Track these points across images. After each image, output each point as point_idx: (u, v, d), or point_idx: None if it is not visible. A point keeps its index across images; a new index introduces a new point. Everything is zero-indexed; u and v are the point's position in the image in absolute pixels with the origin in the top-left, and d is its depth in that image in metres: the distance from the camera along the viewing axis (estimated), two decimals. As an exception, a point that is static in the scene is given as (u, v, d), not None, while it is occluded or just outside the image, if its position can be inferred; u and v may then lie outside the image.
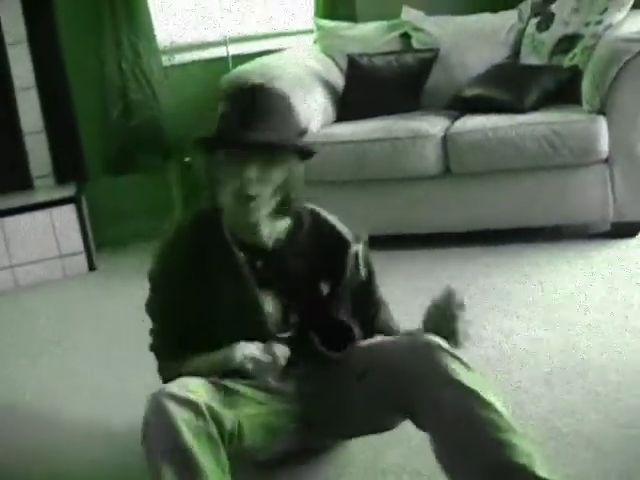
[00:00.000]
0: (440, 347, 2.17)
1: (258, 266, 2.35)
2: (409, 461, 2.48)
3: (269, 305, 2.36)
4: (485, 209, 4.27)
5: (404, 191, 4.35)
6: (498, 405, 2.07)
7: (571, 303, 3.47)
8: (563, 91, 4.37)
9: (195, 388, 2.11)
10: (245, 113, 2.21)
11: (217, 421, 2.08)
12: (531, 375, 2.92)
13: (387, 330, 2.53)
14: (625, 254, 3.93)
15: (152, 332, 2.48)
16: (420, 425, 2.19)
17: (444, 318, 2.28)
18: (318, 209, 2.46)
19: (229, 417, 2.13)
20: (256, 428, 2.23)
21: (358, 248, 2.42)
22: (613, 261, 3.87)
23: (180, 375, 2.21)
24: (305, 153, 2.33)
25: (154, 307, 2.43)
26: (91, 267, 4.94)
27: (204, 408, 2.06)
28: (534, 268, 3.91)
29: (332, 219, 2.46)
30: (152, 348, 2.48)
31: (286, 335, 2.38)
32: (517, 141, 4.08)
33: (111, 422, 3.04)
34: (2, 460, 2.93)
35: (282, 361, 2.29)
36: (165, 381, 2.32)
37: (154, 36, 5.28)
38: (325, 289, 2.39)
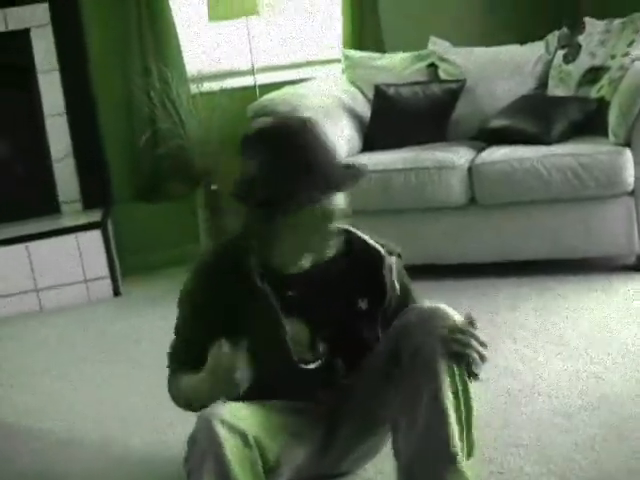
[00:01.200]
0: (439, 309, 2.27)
1: (289, 295, 2.33)
2: None
3: (297, 333, 2.34)
4: (510, 240, 4.26)
5: (430, 221, 4.35)
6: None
7: (596, 336, 3.45)
8: (590, 123, 4.37)
9: (245, 416, 2.13)
10: (309, 154, 2.21)
11: (262, 454, 2.10)
12: (553, 407, 2.90)
13: None
14: (651, 287, 3.91)
15: (171, 346, 2.50)
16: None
17: (458, 342, 2.26)
18: (349, 227, 2.43)
19: (273, 450, 2.15)
20: (290, 466, 2.25)
21: (392, 261, 2.41)
22: (638, 294, 3.84)
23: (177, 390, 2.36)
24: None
25: (177, 323, 2.46)
26: (116, 292, 4.97)
27: (252, 440, 2.07)
28: (559, 300, 3.89)
29: (364, 235, 2.44)
30: (168, 358, 2.51)
31: (312, 366, 2.37)
32: (543, 172, 4.08)
33: (129, 444, 3.06)
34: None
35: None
36: (172, 395, 2.46)
37: (183, 64, 5.34)
38: (363, 305, 2.38)
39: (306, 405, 2.37)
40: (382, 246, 2.42)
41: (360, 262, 2.38)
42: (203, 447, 2.04)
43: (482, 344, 2.24)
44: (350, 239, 2.41)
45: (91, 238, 4.94)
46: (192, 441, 2.08)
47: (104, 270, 4.96)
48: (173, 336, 2.48)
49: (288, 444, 2.24)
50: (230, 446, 2.03)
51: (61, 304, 4.89)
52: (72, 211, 5.33)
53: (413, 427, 2.14)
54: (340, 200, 2.25)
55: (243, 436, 2.06)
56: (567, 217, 4.16)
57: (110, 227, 5.09)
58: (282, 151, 2.21)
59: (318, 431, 2.38)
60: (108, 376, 3.76)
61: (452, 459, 2.11)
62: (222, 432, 2.04)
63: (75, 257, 4.92)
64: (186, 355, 2.42)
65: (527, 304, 3.90)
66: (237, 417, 2.10)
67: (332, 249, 2.30)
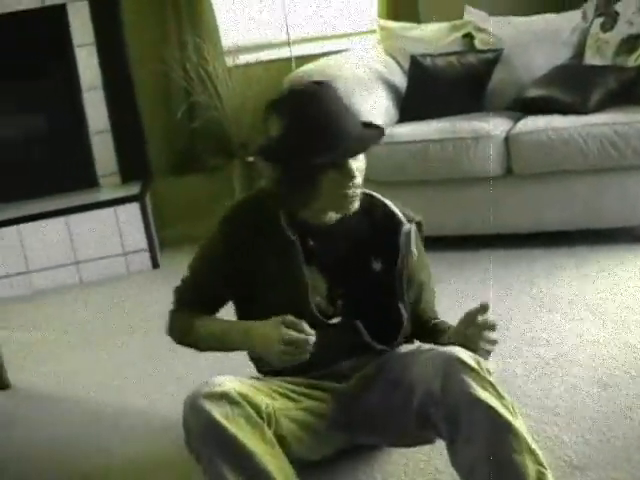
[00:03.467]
0: (458, 360, 2.13)
1: (310, 244, 2.36)
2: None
3: (316, 283, 2.37)
4: (547, 211, 4.25)
5: (466, 192, 4.35)
6: (512, 421, 2.04)
7: (632, 306, 3.44)
8: (627, 92, 4.32)
9: (224, 382, 2.15)
10: (327, 117, 2.23)
11: (252, 404, 2.11)
12: (589, 377, 2.90)
13: (424, 316, 2.55)
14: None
15: (183, 280, 2.58)
16: (439, 435, 2.19)
17: (469, 335, 2.26)
18: (372, 192, 2.47)
19: (264, 401, 2.16)
20: (291, 422, 2.25)
21: (410, 228, 2.42)
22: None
23: (188, 332, 2.46)
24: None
25: (195, 260, 2.53)
26: (154, 265, 5.01)
27: (236, 395, 2.10)
28: (595, 270, 3.87)
29: (385, 200, 2.47)
30: (176, 292, 2.60)
31: (333, 321, 2.38)
32: (580, 142, 4.05)
33: (168, 416, 3.08)
34: (63, 452, 2.99)
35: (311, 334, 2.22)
36: (171, 331, 2.57)
37: (218, 37, 5.35)
38: (377, 266, 2.40)
39: (327, 384, 2.39)
40: (402, 213, 2.44)
41: (378, 224, 2.41)
42: (195, 425, 2.08)
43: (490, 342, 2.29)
44: (372, 202, 2.45)
45: (129, 211, 4.99)
46: (185, 425, 2.12)
47: (142, 243, 5.00)
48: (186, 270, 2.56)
49: (283, 406, 2.25)
50: (218, 413, 2.06)
51: (100, 277, 4.94)
52: (110, 184, 5.38)
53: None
54: (361, 160, 2.28)
55: (226, 396, 2.09)
56: (604, 187, 4.14)
57: (148, 200, 5.13)
58: (303, 113, 2.25)
59: (321, 406, 2.37)
60: (146, 348, 3.81)
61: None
62: (206, 404, 2.07)
63: (114, 230, 4.96)
64: (193, 297, 2.55)
65: (563, 274, 3.89)
66: (217, 384, 2.13)
67: (354, 207, 2.31)
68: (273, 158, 2.29)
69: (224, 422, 2.05)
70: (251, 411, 2.10)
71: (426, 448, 2.48)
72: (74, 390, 3.50)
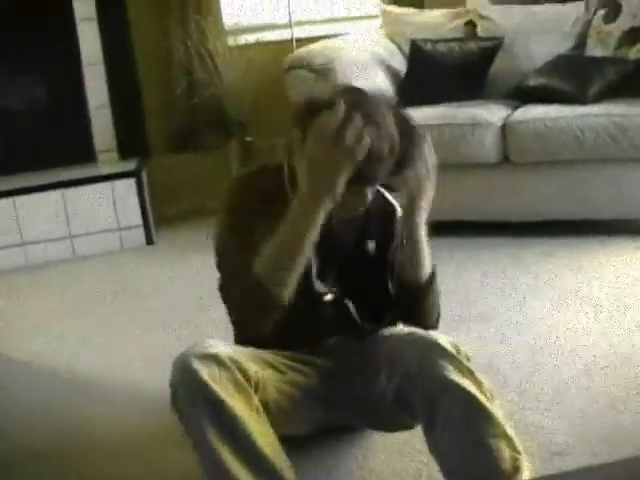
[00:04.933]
0: (437, 345, 2.13)
1: None
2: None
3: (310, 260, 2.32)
4: (542, 200, 4.25)
5: (463, 178, 4.34)
6: (489, 406, 2.05)
7: (624, 297, 3.44)
8: (628, 84, 4.31)
9: (216, 344, 2.14)
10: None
11: (241, 370, 2.10)
12: (575, 364, 2.91)
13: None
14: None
15: (224, 273, 2.35)
16: (417, 419, 2.20)
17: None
18: None
19: (252, 368, 2.15)
20: (276, 392, 2.24)
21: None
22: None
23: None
24: None
25: (221, 249, 2.32)
26: (149, 241, 5.01)
27: (226, 358, 2.09)
28: (589, 260, 3.88)
29: (381, 189, 2.41)
30: (221, 289, 2.36)
31: (326, 298, 2.37)
32: (577, 132, 4.05)
33: (155, 388, 3.08)
34: (47, 425, 2.99)
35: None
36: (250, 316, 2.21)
37: (220, 16, 5.35)
38: (371, 247, 2.39)
39: (312, 359, 2.39)
40: (396, 198, 2.43)
41: (375, 210, 2.36)
42: (183, 385, 2.07)
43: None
44: None
45: (126, 187, 4.98)
46: (173, 384, 2.11)
47: (138, 219, 5.00)
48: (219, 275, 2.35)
49: (272, 376, 2.24)
50: (206, 374, 2.05)
51: (94, 251, 4.94)
52: (108, 160, 5.36)
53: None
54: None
55: (215, 358, 2.08)
56: (600, 178, 4.14)
57: (145, 176, 5.12)
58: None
59: (308, 381, 2.36)
60: (136, 322, 3.81)
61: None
62: (195, 364, 2.06)
63: (109, 205, 4.96)
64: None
65: (557, 263, 3.89)
66: (208, 346, 2.12)
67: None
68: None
69: (212, 384, 2.04)
70: (239, 376, 2.09)
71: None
72: (62, 359, 3.51)
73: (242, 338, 2.40)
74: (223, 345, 2.16)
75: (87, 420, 2.97)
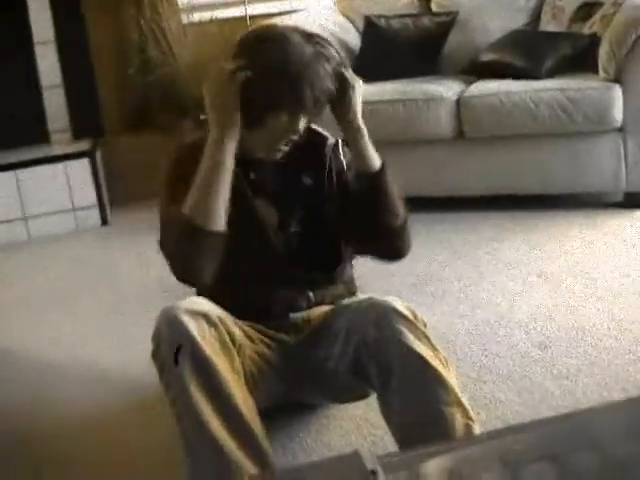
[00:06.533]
0: (393, 310, 2.13)
1: (252, 177, 2.31)
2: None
3: (268, 216, 2.32)
4: (498, 174, 4.26)
5: (417, 154, 4.35)
6: (444, 373, 2.06)
7: (577, 271, 3.47)
8: (581, 59, 4.33)
9: (205, 303, 2.14)
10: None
11: (228, 331, 2.11)
12: (530, 339, 2.93)
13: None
14: (635, 224, 3.91)
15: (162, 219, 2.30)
16: (372, 386, 2.20)
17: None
18: None
19: (237, 331, 2.17)
20: (249, 360, 2.23)
21: (337, 141, 2.37)
22: (622, 231, 3.85)
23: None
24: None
25: (166, 197, 2.29)
26: (104, 221, 4.98)
27: (215, 317, 2.10)
28: (544, 235, 3.90)
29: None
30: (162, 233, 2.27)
31: (280, 268, 2.33)
32: (531, 106, 4.06)
33: (117, 368, 3.10)
34: (7, 407, 2.96)
35: None
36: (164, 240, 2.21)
37: (174, -6, 5.30)
38: (307, 181, 2.35)
39: (277, 335, 2.38)
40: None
41: (304, 145, 2.31)
42: (169, 336, 2.06)
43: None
44: None
45: (80, 167, 4.93)
46: (157, 336, 2.09)
47: (92, 199, 4.96)
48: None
49: (247, 343, 2.24)
50: (195, 329, 2.04)
51: (49, 232, 4.89)
52: (62, 140, 5.30)
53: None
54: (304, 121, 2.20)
55: (205, 316, 2.08)
56: (555, 152, 4.15)
57: (99, 157, 5.08)
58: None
59: (272, 356, 2.35)
60: (92, 304, 3.79)
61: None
62: (185, 318, 2.05)
63: (63, 186, 4.91)
64: None
65: (512, 238, 3.91)
66: (197, 303, 2.12)
67: (283, 150, 2.26)
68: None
69: (200, 339, 2.04)
70: (226, 337, 2.10)
71: (362, 404, 2.49)
72: (17, 345, 3.48)
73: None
74: (209, 304, 2.16)
75: (50, 404, 2.94)
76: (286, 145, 2.25)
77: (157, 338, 2.10)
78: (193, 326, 2.05)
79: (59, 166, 4.91)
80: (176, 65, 5.16)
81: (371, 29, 4.78)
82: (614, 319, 3.00)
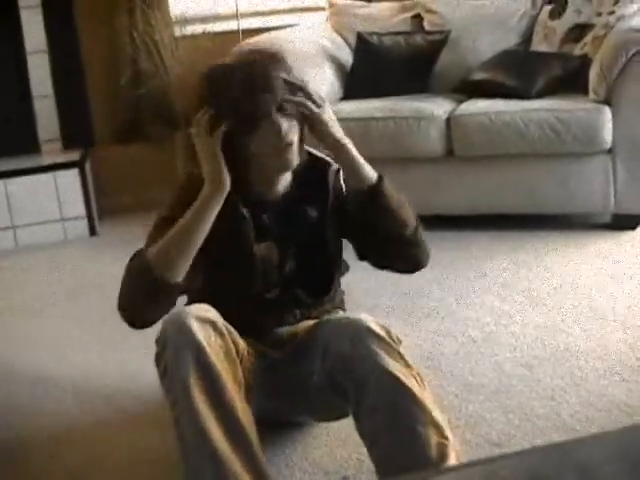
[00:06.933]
0: (367, 329, 2.13)
1: (264, 219, 2.31)
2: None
3: (270, 256, 2.33)
4: (487, 193, 4.27)
5: (407, 172, 4.34)
6: (418, 393, 2.05)
7: (565, 292, 3.47)
8: (572, 80, 4.35)
9: (212, 310, 2.14)
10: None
11: (234, 341, 2.12)
12: (516, 358, 2.93)
13: None
14: (623, 247, 3.92)
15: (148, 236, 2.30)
16: (348, 402, 2.18)
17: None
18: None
19: (242, 343, 2.18)
20: (247, 373, 2.23)
21: (338, 167, 2.37)
22: (610, 253, 3.86)
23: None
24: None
25: (158, 221, 2.30)
26: (92, 232, 4.97)
27: (222, 326, 2.10)
28: (532, 255, 3.91)
29: (309, 148, 2.37)
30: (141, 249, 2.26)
31: (271, 295, 2.35)
32: (521, 126, 4.08)
33: (104, 378, 3.08)
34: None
35: None
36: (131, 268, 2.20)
37: (167, 6, 5.30)
38: (313, 213, 2.34)
39: (263, 349, 2.38)
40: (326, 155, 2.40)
41: (307, 172, 2.32)
42: (176, 341, 2.05)
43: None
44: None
45: (69, 177, 4.93)
46: (163, 338, 2.08)
47: (81, 210, 4.95)
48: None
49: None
50: (202, 336, 2.04)
51: (37, 242, 4.88)
52: (52, 150, 5.30)
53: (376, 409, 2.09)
54: (284, 123, 2.18)
55: (213, 324, 2.09)
56: (544, 173, 4.17)
57: (89, 167, 5.08)
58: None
59: (258, 371, 2.35)
60: (79, 315, 3.77)
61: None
62: (194, 324, 2.05)
63: (53, 196, 4.91)
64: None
65: (501, 257, 3.92)
66: (206, 310, 2.12)
67: (291, 161, 2.23)
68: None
69: (206, 346, 2.03)
70: (232, 346, 2.10)
71: (348, 422, 2.48)
72: (7, 357, 3.46)
73: None
74: (217, 314, 2.15)
75: (38, 413, 2.94)
76: (287, 150, 2.22)
77: (161, 341, 2.09)
78: (200, 332, 2.05)
79: (48, 176, 4.91)
80: (168, 78, 5.16)
81: (363, 46, 4.79)
82: (600, 340, 3.01)
